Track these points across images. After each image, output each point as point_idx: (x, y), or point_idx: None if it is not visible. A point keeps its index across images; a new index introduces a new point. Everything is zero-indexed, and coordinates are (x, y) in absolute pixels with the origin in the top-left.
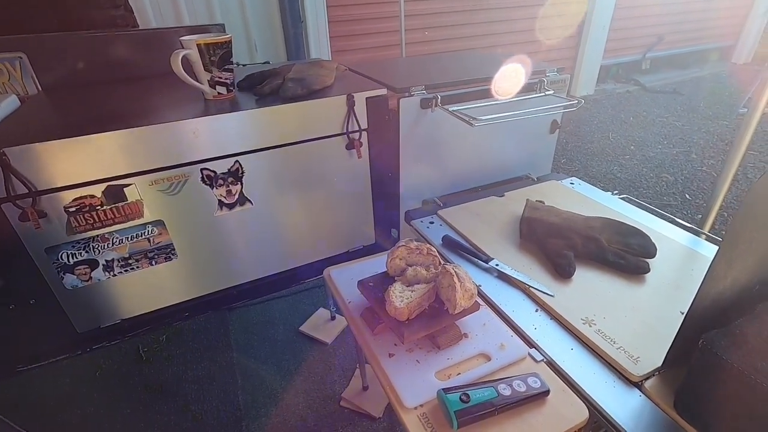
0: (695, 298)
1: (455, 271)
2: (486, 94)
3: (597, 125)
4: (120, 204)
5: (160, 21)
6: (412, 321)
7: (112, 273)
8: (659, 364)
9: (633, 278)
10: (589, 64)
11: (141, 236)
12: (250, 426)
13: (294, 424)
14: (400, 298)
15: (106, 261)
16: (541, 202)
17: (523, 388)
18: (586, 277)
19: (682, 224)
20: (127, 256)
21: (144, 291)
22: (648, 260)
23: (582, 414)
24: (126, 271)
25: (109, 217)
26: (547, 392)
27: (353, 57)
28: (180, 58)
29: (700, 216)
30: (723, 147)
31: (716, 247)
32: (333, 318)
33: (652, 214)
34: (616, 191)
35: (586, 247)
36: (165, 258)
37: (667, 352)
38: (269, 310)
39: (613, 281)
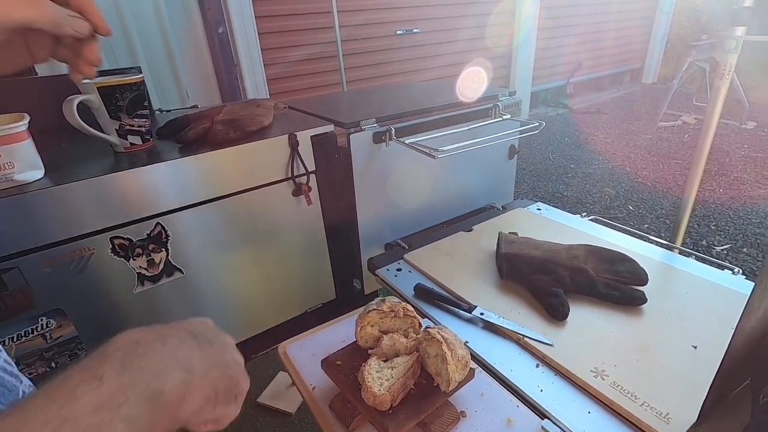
0: (733, 336)
1: (443, 337)
2: (441, 123)
3: (537, 147)
4: None
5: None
6: (396, 408)
7: None
8: (693, 417)
9: (629, 311)
10: (521, 91)
11: (32, 333)
12: None
13: None
14: (379, 380)
15: None
16: (514, 233)
17: None
18: (581, 316)
19: (655, 241)
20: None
21: None
22: (641, 288)
23: None
24: None
25: None
26: None
27: (293, 95)
28: (75, 105)
29: (647, 225)
30: (651, 158)
31: (696, 263)
32: None
33: (623, 233)
34: (585, 213)
35: (574, 280)
36: (69, 356)
37: (704, 403)
38: None
39: (611, 317)
